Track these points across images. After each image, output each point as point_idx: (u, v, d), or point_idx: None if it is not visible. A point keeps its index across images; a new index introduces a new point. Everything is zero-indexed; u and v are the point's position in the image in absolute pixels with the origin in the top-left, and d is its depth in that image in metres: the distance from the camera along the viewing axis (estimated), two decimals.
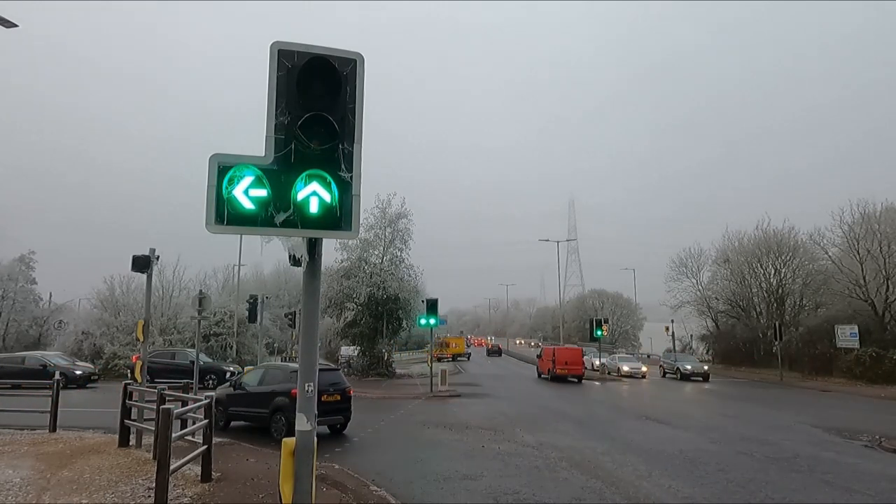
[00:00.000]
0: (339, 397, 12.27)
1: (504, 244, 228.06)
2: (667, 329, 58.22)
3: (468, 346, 61.46)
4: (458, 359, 50.92)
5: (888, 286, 32.26)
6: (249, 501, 6.69)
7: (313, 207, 3.63)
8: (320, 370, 14.35)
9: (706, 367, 33.87)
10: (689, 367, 33.19)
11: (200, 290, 19.90)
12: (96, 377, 26.87)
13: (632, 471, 9.04)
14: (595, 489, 7.85)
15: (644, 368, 35.92)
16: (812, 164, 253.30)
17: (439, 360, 43.82)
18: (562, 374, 30.96)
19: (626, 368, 35.18)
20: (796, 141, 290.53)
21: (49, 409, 11.60)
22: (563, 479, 8.45)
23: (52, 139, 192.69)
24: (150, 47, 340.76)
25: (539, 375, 34.20)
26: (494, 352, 68.45)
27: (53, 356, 27.02)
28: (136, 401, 10.41)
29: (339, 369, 15.98)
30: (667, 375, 35.16)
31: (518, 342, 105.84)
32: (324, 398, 12.24)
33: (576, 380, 31.07)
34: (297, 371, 12.65)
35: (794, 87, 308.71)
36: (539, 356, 37.14)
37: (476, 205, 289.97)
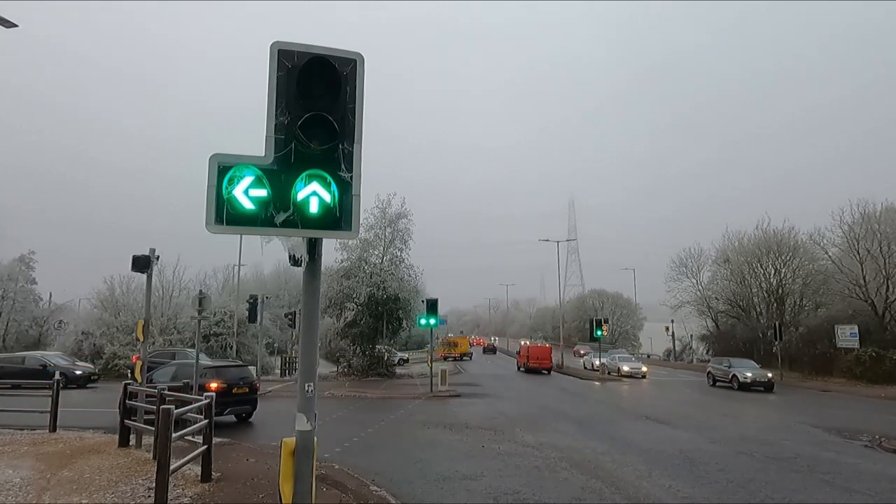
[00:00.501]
0: (247, 390, 14.00)
1: (504, 244, 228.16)
2: (667, 329, 58.37)
3: (470, 346, 65.51)
4: (463, 358, 53.38)
5: (888, 286, 32.28)
6: (249, 501, 6.69)
7: (313, 207, 3.62)
8: (230, 367, 14.85)
9: (770, 375, 26.48)
10: (749, 374, 26.23)
11: (200, 290, 19.89)
12: (96, 377, 26.88)
13: (632, 471, 9.04)
14: (595, 489, 7.85)
15: (644, 368, 35.92)
16: (812, 164, 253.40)
17: (445, 359, 46.95)
18: (534, 367, 37.10)
19: (626, 368, 35.18)
20: (796, 141, 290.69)
21: (49, 409, 11.60)
22: (563, 479, 8.45)
23: (52, 139, 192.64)
24: (149, 47, 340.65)
25: (518, 368, 39.44)
26: (490, 350, 77.25)
27: (53, 356, 27.04)
28: (136, 401, 10.40)
29: (246, 365, 17.51)
30: (717, 384, 28.30)
31: (523, 342, 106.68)
32: (235, 390, 13.65)
33: (546, 371, 36.99)
34: (211, 368, 13.36)
35: (794, 87, 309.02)
36: (518, 353, 43.86)
37: (476, 205, 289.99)
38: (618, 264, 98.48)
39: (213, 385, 13.24)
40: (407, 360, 44.44)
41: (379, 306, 30.79)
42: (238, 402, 13.81)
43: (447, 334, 64.58)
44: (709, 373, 30.25)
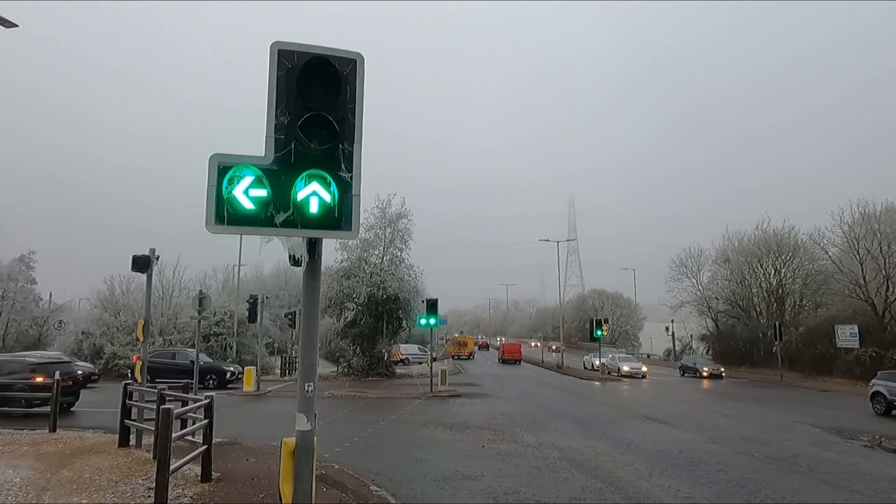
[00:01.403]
0: (70, 383, 15.34)
1: (504, 244, 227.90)
2: (667, 329, 58.34)
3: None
4: (471, 356, 58.80)
5: (888, 286, 32.27)
6: (249, 501, 6.69)
7: (313, 207, 3.62)
8: (55, 363, 15.99)
9: None
10: None
11: (200, 290, 19.92)
12: (96, 377, 26.85)
13: (632, 471, 9.04)
14: (595, 489, 7.85)
15: (644, 368, 35.91)
16: (812, 164, 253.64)
17: (455, 357, 52.30)
18: (508, 359, 50.82)
19: (626, 368, 35.18)
20: (797, 140, 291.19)
21: (49, 409, 11.59)
22: (563, 479, 8.45)
23: (53, 139, 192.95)
24: (150, 47, 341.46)
25: (498, 360, 52.95)
26: (483, 346, 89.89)
27: (53, 356, 26.99)
28: (136, 401, 10.40)
29: (70, 362, 19.30)
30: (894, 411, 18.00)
31: (533, 344, 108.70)
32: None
33: (517, 362, 50.02)
34: (37, 364, 14.36)
35: (795, 87, 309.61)
36: (497, 348, 63.68)
37: (476, 205, 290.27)
38: (618, 264, 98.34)
39: (39, 379, 14.51)
40: (436, 359, 45.15)
41: (379, 306, 30.77)
42: (64, 394, 14.74)
43: (455, 333, 75.59)
44: (876, 394, 19.22)
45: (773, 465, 9.69)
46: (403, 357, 42.47)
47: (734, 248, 44.75)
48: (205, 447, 7.55)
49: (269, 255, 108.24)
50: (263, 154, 3.64)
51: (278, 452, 4.07)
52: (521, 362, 50.68)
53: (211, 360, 27.82)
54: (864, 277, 33.05)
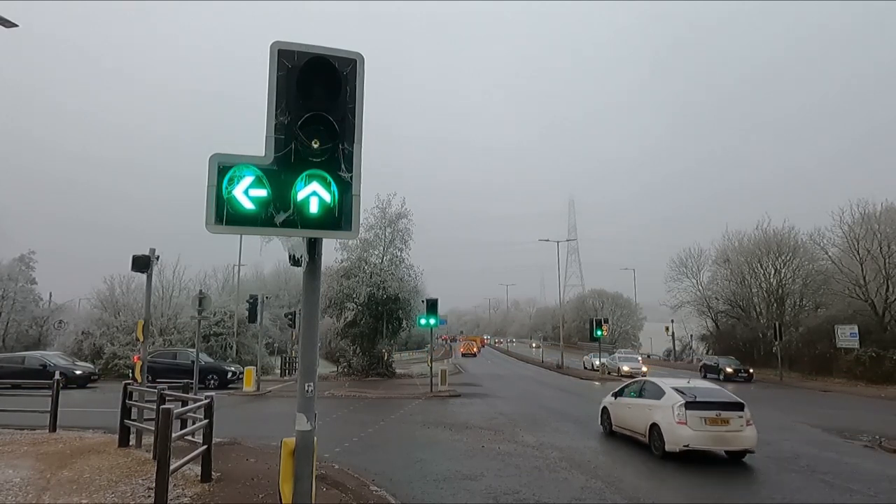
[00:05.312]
0: None
1: (504, 244, 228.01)
2: (667, 329, 58.32)
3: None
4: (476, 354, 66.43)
5: (888, 286, 32.24)
6: (249, 501, 6.68)
7: (313, 207, 3.62)
8: None
9: None
10: None
11: (200, 290, 19.89)
12: (96, 377, 26.86)
13: (632, 470, 9.04)
14: (595, 489, 7.85)
15: (644, 368, 35.88)
16: (813, 164, 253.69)
17: (471, 355, 59.00)
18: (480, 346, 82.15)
19: (626, 368, 35.15)
20: (797, 140, 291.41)
21: (49, 409, 11.58)
22: (563, 479, 8.45)
23: (53, 139, 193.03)
24: (150, 46, 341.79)
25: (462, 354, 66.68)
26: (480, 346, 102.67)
27: (53, 356, 26.99)
28: (136, 401, 10.39)
29: None
30: None
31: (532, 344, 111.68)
32: None
33: (482, 347, 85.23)
34: None
35: (795, 86, 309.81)
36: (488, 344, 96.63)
37: (476, 205, 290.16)
38: (618, 264, 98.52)
39: None
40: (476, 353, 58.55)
41: (379, 306, 30.76)
42: None
43: (461, 332, 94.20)
44: None
45: (773, 465, 9.68)
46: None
47: (734, 248, 44.70)
48: (205, 447, 7.54)
49: (269, 255, 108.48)
50: (263, 154, 3.64)
51: (278, 452, 4.07)
52: (485, 346, 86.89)
53: (212, 360, 27.81)
54: (864, 277, 33.03)
